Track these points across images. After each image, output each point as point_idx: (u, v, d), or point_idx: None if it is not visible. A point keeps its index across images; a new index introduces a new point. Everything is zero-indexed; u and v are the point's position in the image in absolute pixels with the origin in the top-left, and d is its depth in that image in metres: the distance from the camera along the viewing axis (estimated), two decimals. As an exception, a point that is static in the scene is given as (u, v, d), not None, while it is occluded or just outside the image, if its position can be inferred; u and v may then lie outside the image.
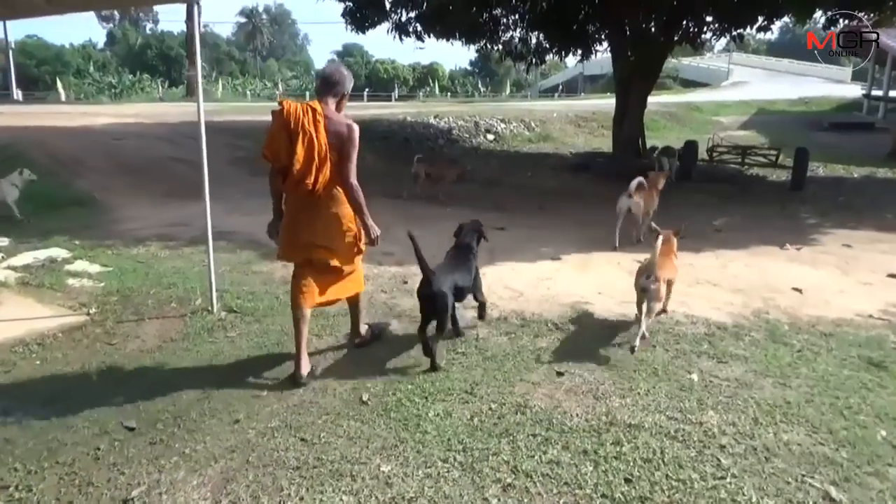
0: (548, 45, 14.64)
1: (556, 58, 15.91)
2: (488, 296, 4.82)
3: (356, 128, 3.29)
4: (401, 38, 13.21)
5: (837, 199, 9.42)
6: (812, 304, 4.66)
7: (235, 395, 3.28)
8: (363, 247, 3.56)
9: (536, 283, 5.14)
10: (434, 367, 3.55)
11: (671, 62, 52.10)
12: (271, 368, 3.59)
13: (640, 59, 11.38)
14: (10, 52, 34.71)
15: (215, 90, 45.49)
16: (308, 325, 3.55)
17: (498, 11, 15.30)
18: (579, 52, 14.65)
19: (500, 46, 15.73)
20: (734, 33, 12.99)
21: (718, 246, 6.37)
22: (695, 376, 3.47)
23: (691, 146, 11.12)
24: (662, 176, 7.14)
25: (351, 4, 12.29)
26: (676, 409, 3.10)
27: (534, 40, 15.45)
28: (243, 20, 79.47)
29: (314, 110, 3.23)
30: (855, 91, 35.22)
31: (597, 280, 5.25)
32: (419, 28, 13.07)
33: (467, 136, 17.44)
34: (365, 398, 3.23)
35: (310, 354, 3.59)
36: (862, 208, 8.79)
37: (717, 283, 5.19)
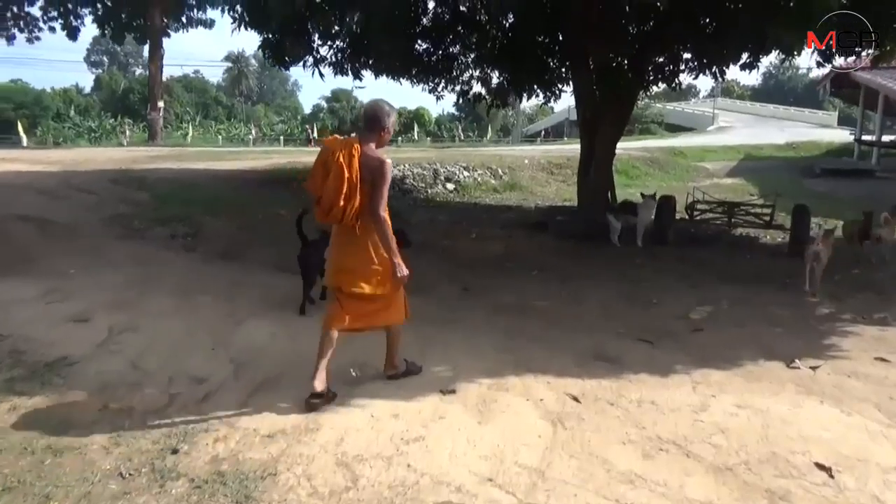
0: (507, 85, 12.90)
1: (517, 99, 14.21)
2: (300, 479, 2.83)
3: (388, 163, 3.44)
4: (321, 75, 11.42)
5: (851, 272, 7.50)
6: (854, 509, 2.66)
7: None
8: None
9: (395, 450, 3.11)
10: None
11: (655, 107, 51.55)
12: None
13: (607, 97, 9.60)
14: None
15: (184, 134, 44.30)
16: (333, 347, 3.70)
17: (453, 48, 13.76)
18: (541, 92, 12.94)
19: (458, 87, 14.10)
20: (713, 70, 11.29)
21: (697, 360, 4.38)
22: None
23: (667, 203, 9.24)
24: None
25: (269, 35, 10.50)
26: None
27: (494, 80, 13.80)
28: (229, 65, 78.97)
29: (351, 145, 3.39)
30: (842, 136, 34.00)
31: (497, 441, 3.22)
32: (346, 63, 11.27)
33: (423, 185, 15.60)
34: None
35: None
36: (885, 285, 6.84)
37: (691, 447, 3.17)
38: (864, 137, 26.27)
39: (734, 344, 4.75)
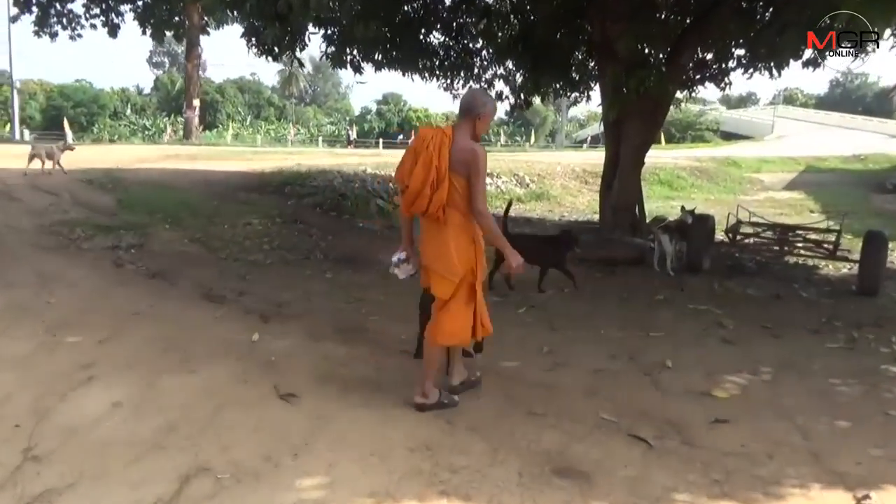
0: (530, 82, 11.41)
1: (541, 100, 12.68)
2: None
3: (481, 152, 3.24)
4: (300, 64, 10.11)
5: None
6: None
7: None
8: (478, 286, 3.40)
9: None
10: None
11: (712, 113, 48.87)
12: None
13: (635, 93, 8.00)
14: (14, 91, 33.98)
15: (223, 135, 44.39)
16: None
17: (474, 43, 12.40)
18: (566, 91, 11.42)
19: (478, 85, 12.69)
20: (770, 67, 9.59)
21: (711, 482, 2.84)
22: None
23: (704, 222, 7.57)
24: None
25: (254, 21, 9.28)
26: None
27: (519, 78, 12.35)
28: (281, 67, 79.31)
29: (443, 134, 3.27)
30: (919, 148, 31.14)
31: None
32: (344, 54, 9.94)
33: (438, 192, 14.18)
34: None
35: None
36: None
37: None
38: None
39: (773, 449, 3.18)
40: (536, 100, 13.19)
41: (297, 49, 9.19)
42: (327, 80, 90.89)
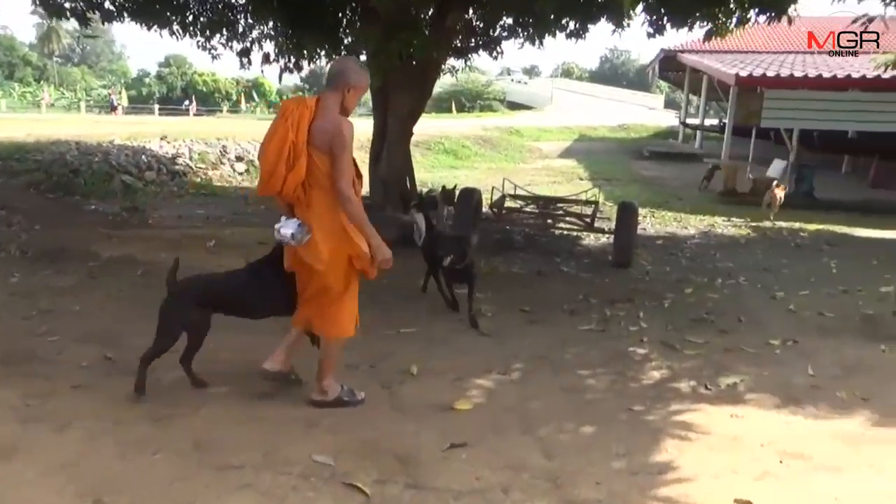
0: (291, 43, 10.36)
1: (307, 63, 11.69)
2: None
3: (347, 126, 2.93)
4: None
5: (683, 292, 5.94)
6: None
7: None
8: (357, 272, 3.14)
9: None
10: None
11: (497, 84, 51.06)
12: None
13: (398, 58, 7.39)
14: None
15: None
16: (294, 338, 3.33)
17: None
18: (333, 55, 10.54)
19: (242, 44, 11.33)
20: (534, 37, 9.56)
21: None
22: None
23: (468, 197, 7.26)
24: None
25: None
26: None
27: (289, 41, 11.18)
28: (38, 21, 68.39)
29: (304, 106, 2.96)
30: (669, 118, 35.06)
31: None
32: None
33: (203, 166, 12.63)
34: None
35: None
36: (726, 310, 5.31)
37: None
38: (689, 121, 26.70)
39: (511, 478, 2.71)
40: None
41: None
42: (99, 38, 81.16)
